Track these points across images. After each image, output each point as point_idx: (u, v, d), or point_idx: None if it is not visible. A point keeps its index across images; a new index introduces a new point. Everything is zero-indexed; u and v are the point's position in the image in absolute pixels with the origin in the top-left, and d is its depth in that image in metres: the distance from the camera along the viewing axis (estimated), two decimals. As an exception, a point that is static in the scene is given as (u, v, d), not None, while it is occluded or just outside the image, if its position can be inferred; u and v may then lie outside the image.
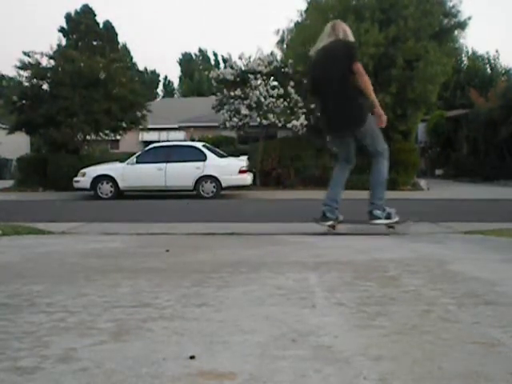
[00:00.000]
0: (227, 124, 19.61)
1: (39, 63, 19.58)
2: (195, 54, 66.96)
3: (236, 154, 17.39)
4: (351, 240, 5.25)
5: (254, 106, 18.69)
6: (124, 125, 20.54)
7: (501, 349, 1.92)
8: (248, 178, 15.91)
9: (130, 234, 5.83)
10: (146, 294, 2.82)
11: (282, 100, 18.53)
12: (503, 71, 37.17)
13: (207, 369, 1.73)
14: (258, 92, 18.49)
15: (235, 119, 19.17)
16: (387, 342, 2.00)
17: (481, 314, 2.38)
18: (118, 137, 22.86)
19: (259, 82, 18.91)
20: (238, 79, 19.20)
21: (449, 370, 1.72)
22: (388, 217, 5.68)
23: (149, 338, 2.07)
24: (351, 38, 5.82)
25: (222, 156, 16.48)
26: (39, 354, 1.88)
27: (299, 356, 1.85)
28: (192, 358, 1.82)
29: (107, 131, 20.65)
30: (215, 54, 65.37)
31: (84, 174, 15.90)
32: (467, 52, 36.94)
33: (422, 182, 19.30)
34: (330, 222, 5.74)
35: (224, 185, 15.53)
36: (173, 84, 67.79)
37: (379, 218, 5.65)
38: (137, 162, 15.89)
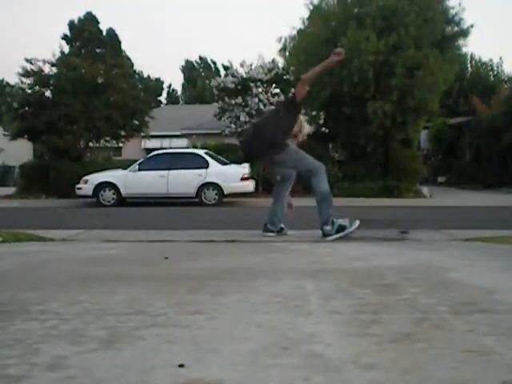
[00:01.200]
0: (226, 130, 19.62)
1: (42, 70, 19.63)
2: (196, 62, 67.01)
3: (238, 162, 17.37)
4: (351, 247, 5.24)
5: (254, 113, 18.70)
6: (123, 133, 20.53)
7: (493, 357, 1.90)
8: (250, 185, 15.90)
9: (130, 241, 5.83)
10: (140, 301, 2.81)
11: (282, 107, 18.53)
12: (506, 78, 37.16)
13: (195, 377, 1.72)
14: (257, 99, 18.50)
15: (233, 126, 19.17)
16: (379, 351, 1.98)
17: (476, 322, 2.36)
18: (121, 144, 22.87)
19: (260, 89, 18.92)
20: (239, 87, 19.22)
21: (440, 378, 1.70)
22: (340, 229, 5.79)
23: (140, 346, 2.06)
24: None
25: (224, 163, 16.47)
26: (28, 362, 1.87)
27: (290, 364, 1.83)
28: (181, 366, 1.81)
29: (108, 138, 20.66)
30: (214, 63, 65.38)
31: (86, 181, 15.90)
32: (470, 59, 36.95)
33: (425, 190, 19.26)
34: (271, 234, 6.20)
35: (226, 192, 15.51)
36: (177, 92, 67.87)
37: (330, 235, 5.78)
38: (139, 169, 15.88)
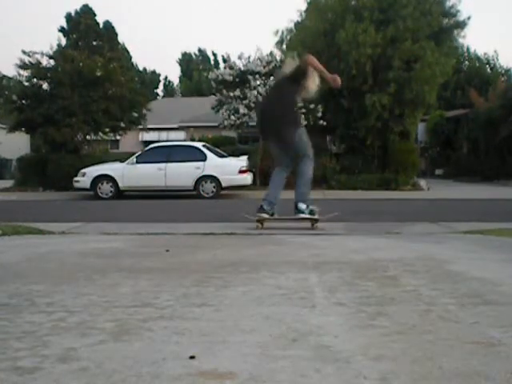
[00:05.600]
0: (225, 122, 19.58)
1: (39, 63, 19.55)
2: (195, 54, 66.88)
3: (236, 154, 17.37)
4: (351, 240, 5.26)
5: (252, 105, 18.68)
6: (122, 125, 20.49)
7: (501, 348, 1.92)
8: (248, 178, 15.89)
9: (129, 233, 5.83)
10: (146, 293, 2.83)
11: (280, 100, 18.51)
12: (503, 71, 37.19)
13: (207, 368, 1.73)
14: (256, 92, 18.47)
15: (233, 118, 19.14)
16: (387, 342, 2.00)
17: (481, 314, 2.38)
18: (118, 137, 22.82)
19: (258, 82, 18.89)
20: (237, 80, 19.18)
21: (449, 369, 1.71)
22: (311, 213, 6.27)
23: (149, 338, 2.07)
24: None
25: (221, 156, 16.47)
26: (39, 354, 1.88)
27: (299, 356, 1.85)
28: (192, 357, 1.82)
29: (106, 131, 20.61)
30: (215, 54, 65.28)
31: (84, 174, 15.88)
32: (467, 52, 36.96)
33: (422, 182, 19.28)
34: (264, 215, 6.35)
35: (224, 185, 15.51)
36: (173, 84, 67.77)
37: (303, 213, 6.26)
38: (137, 162, 15.86)
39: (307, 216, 6.24)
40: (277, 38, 21.90)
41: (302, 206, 6.23)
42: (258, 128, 6.84)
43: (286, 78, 6.49)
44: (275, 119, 6.23)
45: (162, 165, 15.62)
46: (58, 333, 2.14)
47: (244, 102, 18.82)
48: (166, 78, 67.87)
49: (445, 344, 1.97)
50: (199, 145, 16.81)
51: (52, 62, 19.88)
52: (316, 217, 6.25)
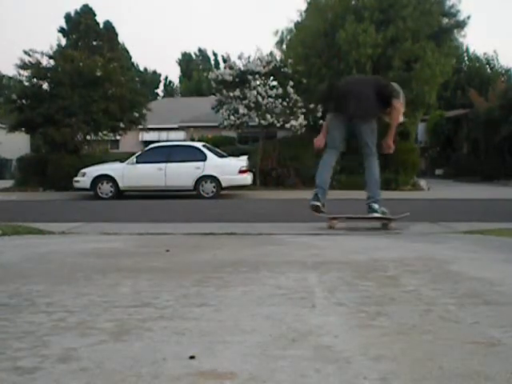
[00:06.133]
0: (225, 122, 19.58)
1: (39, 63, 19.56)
2: (195, 54, 66.91)
3: (236, 154, 17.37)
4: (351, 240, 5.25)
5: (252, 106, 18.67)
6: (122, 125, 20.49)
7: (501, 348, 1.92)
8: (248, 178, 15.89)
9: (130, 233, 5.82)
10: (145, 293, 2.82)
11: (280, 100, 18.51)
12: (503, 71, 37.17)
13: (207, 369, 1.73)
14: (255, 92, 18.47)
15: (233, 118, 19.14)
16: (387, 342, 2.00)
17: (481, 314, 2.38)
18: (118, 137, 22.82)
19: (258, 82, 18.90)
20: (237, 80, 19.19)
21: (449, 369, 1.71)
22: (383, 214, 6.25)
23: (149, 338, 2.07)
24: None
25: (221, 156, 16.47)
26: (39, 354, 1.88)
27: (299, 356, 1.85)
28: (192, 357, 1.82)
29: (106, 131, 20.60)
30: (215, 54, 65.32)
31: (84, 174, 15.88)
32: (467, 52, 36.95)
33: (422, 182, 19.29)
34: (318, 203, 6.27)
35: (224, 185, 15.51)
36: (174, 84, 67.78)
37: (376, 212, 6.21)
38: (137, 162, 15.86)
39: (380, 215, 6.24)
40: (277, 38, 21.94)
41: (375, 205, 6.25)
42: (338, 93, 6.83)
43: (381, 84, 7.00)
44: (362, 96, 6.46)
45: (162, 165, 15.62)
46: (58, 333, 2.14)
47: (244, 102, 18.81)
48: (167, 78, 67.94)
49: (445, 344, 1.97)
50: (199, 145, 16.80)
51: (52, 61, 19.89)
52: (390, 216, 6.25)
